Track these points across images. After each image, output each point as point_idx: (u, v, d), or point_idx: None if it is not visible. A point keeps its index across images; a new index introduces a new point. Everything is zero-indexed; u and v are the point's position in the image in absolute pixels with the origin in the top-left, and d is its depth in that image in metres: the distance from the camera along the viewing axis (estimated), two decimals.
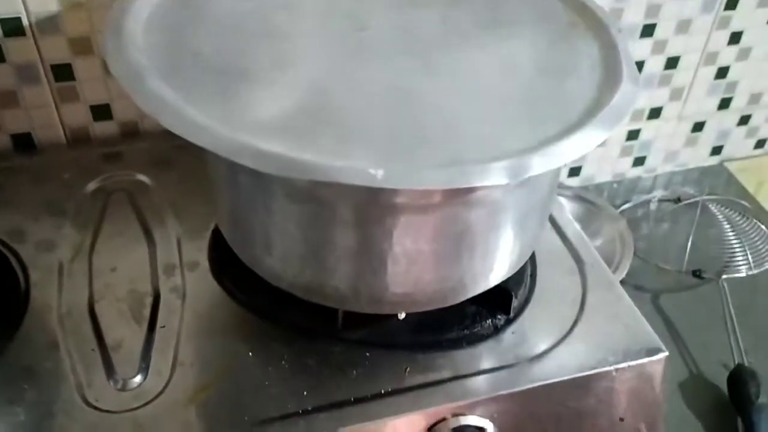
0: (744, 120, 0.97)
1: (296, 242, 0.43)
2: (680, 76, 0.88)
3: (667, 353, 0.51)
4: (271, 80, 0.43)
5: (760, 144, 1.02)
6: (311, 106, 0.41)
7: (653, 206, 0.93)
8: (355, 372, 0.48)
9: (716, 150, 0.99)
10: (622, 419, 0.51)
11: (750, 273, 0.81)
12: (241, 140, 0.37)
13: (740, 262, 0.82)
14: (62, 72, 0.64)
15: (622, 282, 0.76)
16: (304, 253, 0.44)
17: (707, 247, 0.85)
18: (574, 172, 0.94)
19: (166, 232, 0.57)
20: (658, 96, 0.89)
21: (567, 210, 0.63)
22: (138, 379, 0.46)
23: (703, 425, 0.68)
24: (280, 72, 0.43)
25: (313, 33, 0.48)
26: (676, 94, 0.90)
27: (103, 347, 0.48)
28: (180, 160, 0.64)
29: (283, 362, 0.48)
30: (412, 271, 0.44)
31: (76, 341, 0.48)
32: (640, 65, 0.85)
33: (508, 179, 0.37)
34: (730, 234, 0.87)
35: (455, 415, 0.46)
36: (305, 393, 0.46)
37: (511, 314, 0.52)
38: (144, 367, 0.47)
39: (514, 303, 0.52)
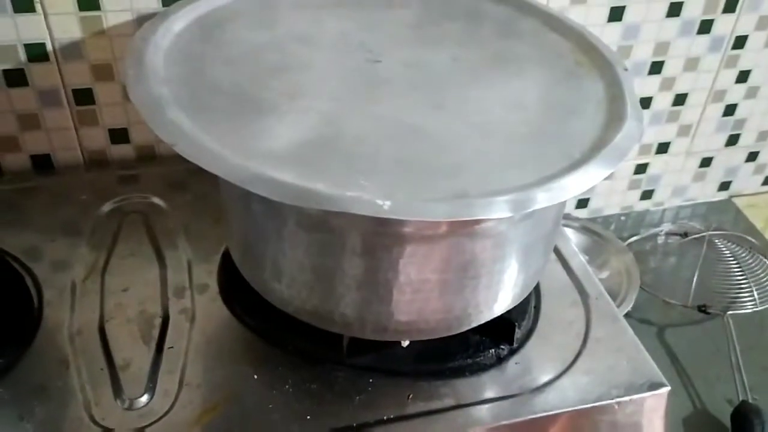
0: (752, 157, 0.97)
1: (304, 269, 0.44)
2: (688, 112, 0.88)
3: (669, 388, 0.51)
4: (285, 111, 0.44)
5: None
6: (323, 137, 0.42)
7: (660, 240, 0.93)
8: (358, 398, 0.48)
9: (724, 185, 1.00)
10: None
11: (756, 309, 0.81)
12: (255, 169, 0.38)
13: (746, 299, 0.82)
14: (83, 96, 0.66)
15: (627, 315, 0.77)
16: (311, 279, 0.45)
17: (713, 283, 0.85)
18: (582, 203, 0.94)
19: (178, 254, 0.58)
20: (667, 131, 0.90)
21: (572, 242, 0.64)
22: (145, 398, 0.47)
23: None
24: (293, 103, 0.45)
25: (327, 65, 0.49)
26: (684, 130, 0.90)
27: (111, 366, 0.49)
28: (194, 184, 0.65)
29: (287, 386, 0.48)
30: (418, 299, 0.44)
31: (86, 360, 0.49)
32: (648, 101, 0.86)
33: (511, 212, 0.38)
34: (737, 270, 0.87)
35: None
36: (308, 417, 0.46)
37: (515, 344, 0.53)
38: (151, 387, 0.48)
39: (518, 333, 0.53)
